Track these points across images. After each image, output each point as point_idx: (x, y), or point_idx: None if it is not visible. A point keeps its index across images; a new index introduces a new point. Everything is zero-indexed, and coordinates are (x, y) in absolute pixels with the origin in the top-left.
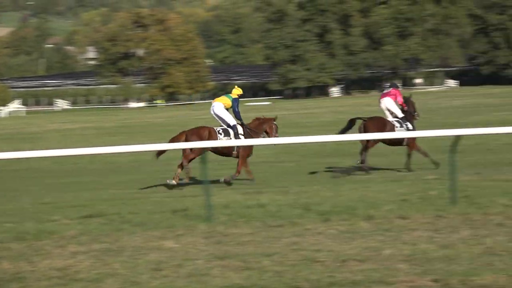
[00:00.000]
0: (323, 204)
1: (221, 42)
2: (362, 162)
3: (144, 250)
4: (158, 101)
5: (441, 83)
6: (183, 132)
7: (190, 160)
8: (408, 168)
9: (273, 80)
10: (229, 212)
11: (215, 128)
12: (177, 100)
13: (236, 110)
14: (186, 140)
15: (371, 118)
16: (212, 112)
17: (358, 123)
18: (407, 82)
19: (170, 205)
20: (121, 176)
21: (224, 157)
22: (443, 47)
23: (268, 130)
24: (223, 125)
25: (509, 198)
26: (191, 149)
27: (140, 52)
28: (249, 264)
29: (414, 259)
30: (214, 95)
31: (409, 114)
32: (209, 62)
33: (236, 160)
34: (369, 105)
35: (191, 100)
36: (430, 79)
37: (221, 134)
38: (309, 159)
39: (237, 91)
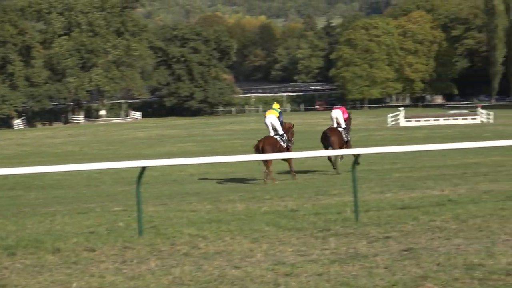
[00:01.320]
0: (7, 238)
1: None
2: (341, 158)
3: None
4: None
5: (126, 115)
6: (260, 141)
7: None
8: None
9: None
10: None
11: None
12: None
13: (281, 119)
14: (262, 147)
15: (330, 129)
16: (268, 122)
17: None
18: (92, 114)
19: None
20: None
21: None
22: (126, 79)
23: (289, 136)
24: (273, 132)
25: (195, 228)
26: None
27: None
28: None
29: None
30: None
31: (348, 128)
32: None
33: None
34: (53, 137)
35: None
36: (114, 111)
37: (281, 142)
38: None
39: (277, 105)
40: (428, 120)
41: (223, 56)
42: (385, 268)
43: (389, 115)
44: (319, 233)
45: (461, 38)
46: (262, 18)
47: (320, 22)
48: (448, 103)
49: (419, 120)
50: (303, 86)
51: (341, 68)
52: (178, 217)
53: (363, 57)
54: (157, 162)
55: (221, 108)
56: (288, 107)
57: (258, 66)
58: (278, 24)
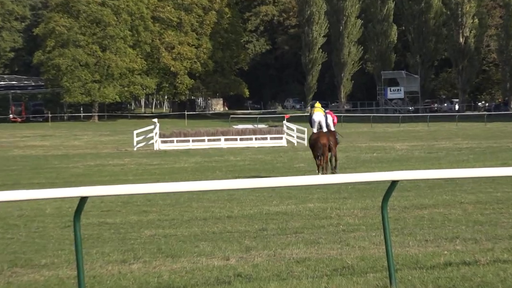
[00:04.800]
0: None
1: None
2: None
3: None
4: None
5: None
6: (319, 137)
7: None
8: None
9: None
10: None
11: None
12: None
13: (326, 117)
14: (328, 139)
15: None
16: (316, 119)
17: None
18: None
19: None
20: None
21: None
22: None
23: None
24: (318, 128)
25: None
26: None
27: None
28: None
29: None
30: None
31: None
32: None
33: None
34: None
35: None
36: None
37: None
38: None
39: (319, 105)
40: (203, 141)
41: None
42: None
43: (136, 132)
44: None
45: (254, 4)
46: None
47: None
48: (235, 112)
49: (187, 140)
50: None
51: (52, 51)
52: None
53: (91, 32)
54: None
55: None
56: None
57: None
58: None
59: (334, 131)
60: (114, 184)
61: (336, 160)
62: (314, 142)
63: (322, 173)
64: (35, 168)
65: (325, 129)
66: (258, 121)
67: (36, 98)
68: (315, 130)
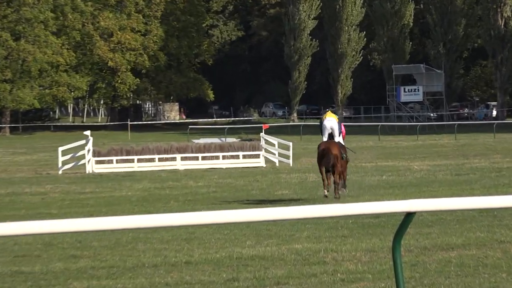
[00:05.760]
0: None
1: None
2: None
3: None
4: None
5: None
6: (327, 148)
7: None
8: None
9: None
10: None
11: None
12: None
13: (339, 126)
14: (340, 151)
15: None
16: (328, 125)
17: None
18: None
19: None
20: None
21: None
22: None
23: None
24: (328, 137)
25: None
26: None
27: None
28: None
29: None
30: None
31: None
32: None
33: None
34: None
35: None
36: None
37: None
38: None
39: (331, 112)
40: (152, 160)
41: None
42: None
43: (61, 149)
44: None
45: None
46: None
47: None
48: (196, 121)
49: (130, 160)
50: None
51: None
52: None
53: (0, 15)
54: None
55: None
56: None
57: None
58: None
59: (343, 145)
60: (32, 220)
61: (342, 178)
62: (322, 152)
63: (333, 193)
64: None
65: (337, 139)
66: (227, 133)
67: None
68: (325, 139)
